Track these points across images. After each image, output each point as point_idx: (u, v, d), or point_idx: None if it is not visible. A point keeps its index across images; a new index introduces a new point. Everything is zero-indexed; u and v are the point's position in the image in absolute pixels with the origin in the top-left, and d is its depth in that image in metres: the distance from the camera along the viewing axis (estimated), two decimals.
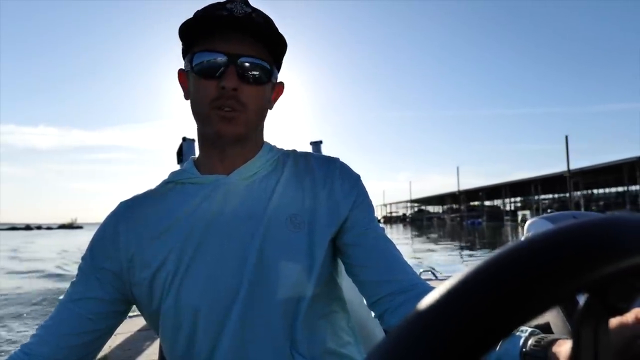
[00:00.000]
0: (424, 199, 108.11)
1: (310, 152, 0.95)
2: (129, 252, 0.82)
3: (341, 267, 0.91)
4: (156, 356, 1.67)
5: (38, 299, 8.84)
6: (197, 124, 0.86)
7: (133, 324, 3.13)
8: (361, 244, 0.84)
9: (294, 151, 0.95)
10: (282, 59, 0.88)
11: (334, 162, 0.91)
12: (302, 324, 0.79)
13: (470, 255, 16.53)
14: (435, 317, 0.20)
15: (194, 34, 0.80)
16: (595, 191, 65.41)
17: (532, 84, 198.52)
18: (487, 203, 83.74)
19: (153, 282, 0.80)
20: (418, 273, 0.84)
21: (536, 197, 62.65)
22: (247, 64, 0.79)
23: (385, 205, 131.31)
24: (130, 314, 0.90)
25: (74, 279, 0.85)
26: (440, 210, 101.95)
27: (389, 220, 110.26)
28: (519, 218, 54.21)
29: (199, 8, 0.83)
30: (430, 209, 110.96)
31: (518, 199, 70.01)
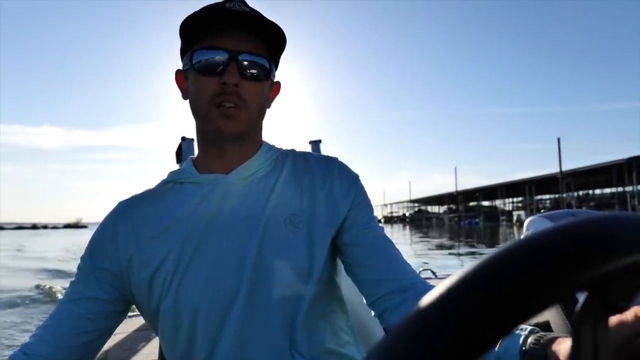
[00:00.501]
0: (423, 199, 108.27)
1: (309, 152, 0.94)
2: (128, 251, 0.81)
3: (340, 267, 0.89)
4: (156, 356, 1.66)
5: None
6: (197, 122, 0.85)
7: (132, 323, 3.11)
8: (360, 243, 0.83)
9: (293, 151, 0.94)
10: (280, 56, 0.87)
11: (332, 161, 0.90)
12: (302, 323, 0.78)
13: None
14: (434, 316, 0.20)
15: (194, 31, 0.79)
16: (590, 192, 65.65)
17: (532, 83, 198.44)
18: (486, 203, 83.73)
19: (152, 282, 0.79)
20: (417, 272, 0.82)
21: (538, 197, 62.97)
22: (247, 61, 0.78)
23: (385, 205, 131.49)
24: (130, 313, 0.89)
25: (74, 279, 0.84)
26: (440, 211, 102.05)
27: (390, 220, 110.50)
28: (514, 218, 55.01)
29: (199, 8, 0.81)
30: (430, 209, 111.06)
31: (520, 199, 70.18)
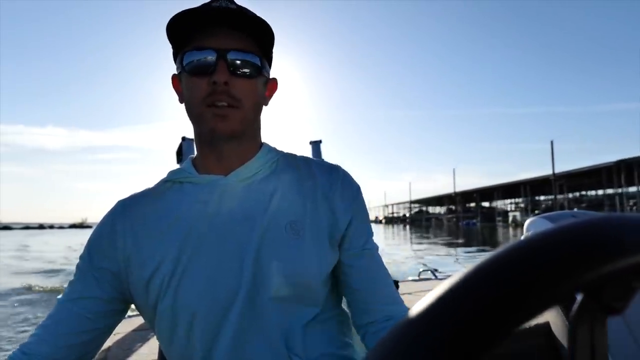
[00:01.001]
0: (423, 200, 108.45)
1: (311, 158, 0.92)
2: (126, 251, 0.79)
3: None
4: (155, 356, 1.63)
5: None
6: (193, 124, 0.83)
7: (132, 323, 3.09)
8: (354, 265, 0.83)
9: (294, 155, 0.91)
10: (271, 52, 0.85)
11: (336, 170, 0.87)
12: (300, 327, 0.77)
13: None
14: (435, 316, 0.20)
15: (182, 33, 0.78)
16: (586, 193, 65.86)
17: (535, 83, 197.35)
18: (487, 204, 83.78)
19: (150, 281, 0.77)
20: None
21: (543, 198, 63.23)
22: (236, 58, 0.77)
23: (386, 205, 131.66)
24: (130, 313, 0.86)
25: (72, 278, 0.82)
26: (440, 211, 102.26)
27: (390, 220, 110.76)
28: (510, 219, 55.13)
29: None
30: (431, 209, 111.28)
31: (521, 199, 70.50)
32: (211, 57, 0.76)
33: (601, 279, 0.20)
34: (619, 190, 45.78)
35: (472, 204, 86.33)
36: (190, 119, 0.82)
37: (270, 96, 0.88)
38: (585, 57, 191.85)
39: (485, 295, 0.20)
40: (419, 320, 0.20)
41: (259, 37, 0.79)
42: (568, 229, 0.22)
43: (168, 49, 0.83)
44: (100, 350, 0.85)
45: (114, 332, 0.86)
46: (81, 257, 0.83)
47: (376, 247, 0.87)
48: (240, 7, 0.78)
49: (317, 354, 0.78)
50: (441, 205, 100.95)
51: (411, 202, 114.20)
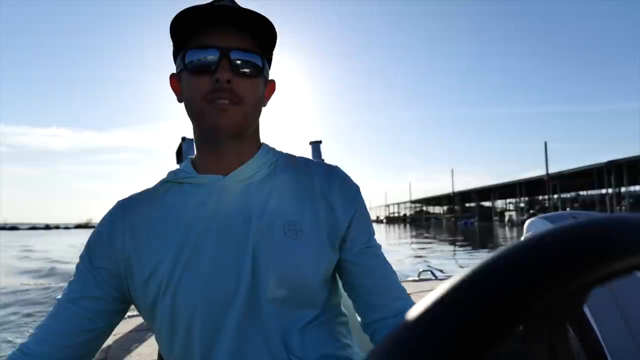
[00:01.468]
0: (423, 200, 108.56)
1: (310, 159, 0.91)
2: (125, 251, 0.78)
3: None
4: (155, 356, 1.62)
5: None
6: (193, 123, 0.82)
7: (132, 323, 3.07)
8: (359, 263, 0.82)
9: (293, 155, 0.90)
10: (272, 53, 0.84)
11: (335, 171, 0.87)
12: (299, 328, 0.76)
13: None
14: (436, 317, 0.20)
15: (185, 31, 0.78)
16: (579, 193, 66.06)
17: (539, 83, 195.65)
18: (487, 204, 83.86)
19: (150, 281, 0.76)
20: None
21: (541, 197, 63.47)
22: (239, 57, 0.76)
23: (387, 206, 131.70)
24: (130, 313, 0.85)
25: (72, 278, 0.81)
26: (441, 211, 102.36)
27: (391, 220, 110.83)
28: (506, 219, 56.54)
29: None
30: (431, 209, 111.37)
31: (524, 199, 70.82)
32: (214, 56, 0.75)
33: (602, 279, 0.20)
34: (617, 190, 46.03)
35: (473, 204, 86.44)
36: (190, 117, 0.81)
37: (269, 98, 0.87)
38: (586, 57, 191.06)
39: (486, 296, 0.20)
40: (419, 321, 0.20)
41: (261, 38, 0.79)
42: (568, 230, 0.21)
43: (171, 49, 0.82)
44: (100, 350, 0.84)
45: (114, 332, 0.85)
46: (81, 257, 0.82)
47: (379, 246, 0.86)
48: (241, 7, 0.78)
49: (316, 355, 0.77)
50: (440, 205, 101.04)
51: (411, 202, 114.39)
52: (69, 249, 20.82)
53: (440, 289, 0.21)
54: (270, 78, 0.87)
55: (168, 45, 0.83)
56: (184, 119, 0.83)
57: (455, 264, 12.01)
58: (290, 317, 0.75)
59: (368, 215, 0.87)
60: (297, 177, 0.84)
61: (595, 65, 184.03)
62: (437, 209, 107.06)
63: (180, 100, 0.83)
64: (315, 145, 2.70)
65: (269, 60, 0.84)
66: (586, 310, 0.69)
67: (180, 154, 2.55)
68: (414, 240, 25.79)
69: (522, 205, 66.63)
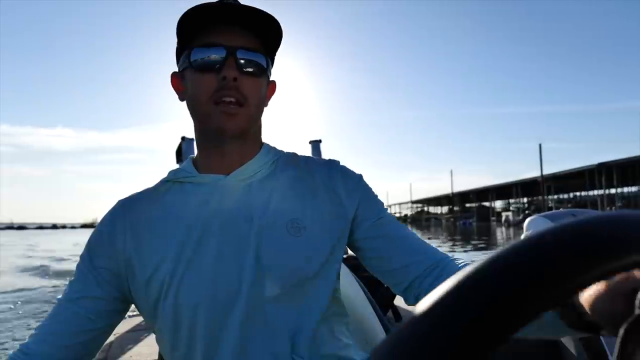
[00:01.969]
0: (423, 200, 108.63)
1: (310, 156, 0.90)
2: (126, 251, 0.77)
3: (340, 269, 0.85)
4: (156, 356, 1.60)
5: None
6: (196, 122, 0.81)
7: (132, 323, 3.05)
8: (378, 235, 0.80)
9: (294, 154, 0.89)
10: (275, 53, 0.84)
11: (335, 164, 0.86)
12: (302, 326, 0.75)
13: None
14: (440, 315, 0.20)
15: (191, 30, 0.77)
16: (578, 194, 66.15)
17: (544, 82, 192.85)
18: (487, 204, 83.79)
19: (151, 281, 0.74)
20: None
21: (540, 198, 63.86)
22: (245, 56, 0.76)
23: (389, 206, 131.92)
24: (130, 313, 0.83)
25: (72, 278, 0.80)
26: (441, 211, 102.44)
27: None
28: (503, 219, 57.41)
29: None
30: (432, 209, 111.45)
31: (525, 199, 70.88)
32: (220, 54, 0.74)
33: (602, 277, 0.20)
34: (606, 192, 46.14)
35: (474, 204, 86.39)
36: (194, 116, 0.80)
37: (270, 98, 0.86)
38: (592, 57, 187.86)
39: (489, 294, 0.19)
40: (419, 321, 0.20)
41: (266, 37, 0.79)
42: (568, 228, 0.21)
43: (174, 50, 0.81)
44: (100, 350, 0.82)
45: (114, 332, 0.84)
46: (81, 257, 0.80)
47: (392, 216, 0.84)
48: (247, 6, 0.77)
49: (320, 354, 0.76)
50: (441, 205, 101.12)
51: (412, 202, 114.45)
52: (72, 248, 21.36)
53: (441, 288, 0.21)
54: (271, 79, 0.86)
55: (170, 47, 0.81)
56: (185, 119, 0.81)
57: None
58: (292, 316, 0.74)
59: (375, 196, 0.86)
60: (298, 174, 0.83)
61: (601, 65, 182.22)
62: (438, 209, 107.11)
63: (182, 99, 0.82)
64: (315, 144, 2.69)
65: (272, 60, 0.83)
66: None
67: (180, 154, 2.54)
68: None
69: (520, 205, 66.84)
